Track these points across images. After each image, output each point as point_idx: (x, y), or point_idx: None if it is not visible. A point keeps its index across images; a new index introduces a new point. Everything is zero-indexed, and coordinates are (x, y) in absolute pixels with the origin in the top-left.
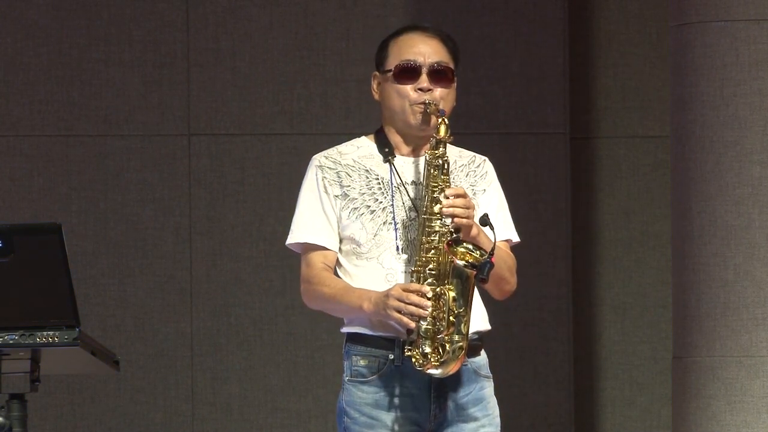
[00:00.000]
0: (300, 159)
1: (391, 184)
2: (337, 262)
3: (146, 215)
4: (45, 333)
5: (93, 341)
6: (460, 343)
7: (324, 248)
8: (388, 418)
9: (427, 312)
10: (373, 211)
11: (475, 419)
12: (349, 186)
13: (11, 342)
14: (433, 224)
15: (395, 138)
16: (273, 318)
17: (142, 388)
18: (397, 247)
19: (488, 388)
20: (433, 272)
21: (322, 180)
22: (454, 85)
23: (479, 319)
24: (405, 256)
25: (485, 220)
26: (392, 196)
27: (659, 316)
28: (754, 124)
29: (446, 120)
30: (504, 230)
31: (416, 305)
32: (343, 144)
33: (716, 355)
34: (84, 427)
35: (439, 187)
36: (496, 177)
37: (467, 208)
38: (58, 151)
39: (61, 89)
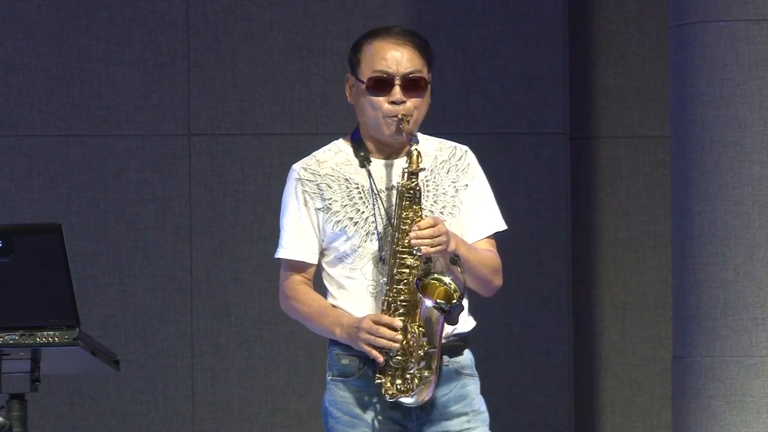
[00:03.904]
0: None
1: (372, 191)
2: (325, 273)
3: (146, 215)
4: (45, 333)
5: (93, 341)
6: (430, 378)
7: (304, 263)
8: (369, 417)
9: (396, 346)
10: (356, 223)
11: (460, 415)
12: (331, 199)
13: (11, 342)
14: (404, 256)
15: (370, 143)
16: (273, 318)
17: (142, 388)
18: (381, 257)
19: (472, 385)
20: (404, 304)
21: (302, 193)
22: (428, 91)
23: (460, 322)
24: (387, 267)
25: (454, 260)
26: (373, 205)
27: (659, 316)
28: (754, 124)
29: (418, 149)
30: (487, 224)
31: (386, 339)
32: (321, 150)
33: (716, 355)
34: (84, 427)
35: (410, 218)
36: (479, 166)
37: (437, 236)
38: (58, 151)
39: (61, 89)
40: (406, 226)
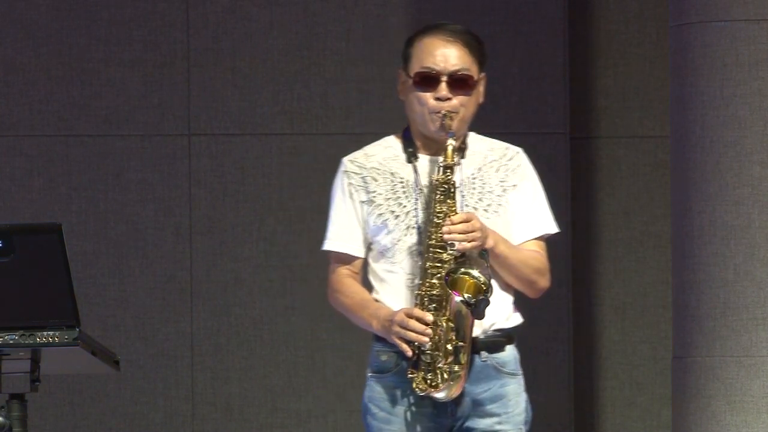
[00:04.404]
0: (300, 159)
1: (415, 186)
2: (369, 268)
3: (146, 215)
4: (45, 333)
5: (93, 341)
6: (459, 372)
7: (349, 255)
8: (404, 413)
9: (426, 340)
10: (397, 216)
11: (492, 415)
12: (375, 192)
13: (11, 342)
14: (438, 251)
15: (418, 140)
16: (273, 318)
17: (142, 388)
18: (419, 251)
19: (512, 385)
20: (436, 298)
21: (348, 186)
22: (477, 89)
23: (500, 317)
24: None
25: (482, 254)
26: (416, 200)
27: (659, 316)
28: (754, 124)
29: (453, 143)
30: (535, 226)
31: (416, 332)
32: (372, 144)
33: (716, 355)
34: (84, 427)
35: (444, 212)
36: (531, 168)
37: (470, 231)
38: (58, 151)
39: (61, 89)
40: (440, 221)
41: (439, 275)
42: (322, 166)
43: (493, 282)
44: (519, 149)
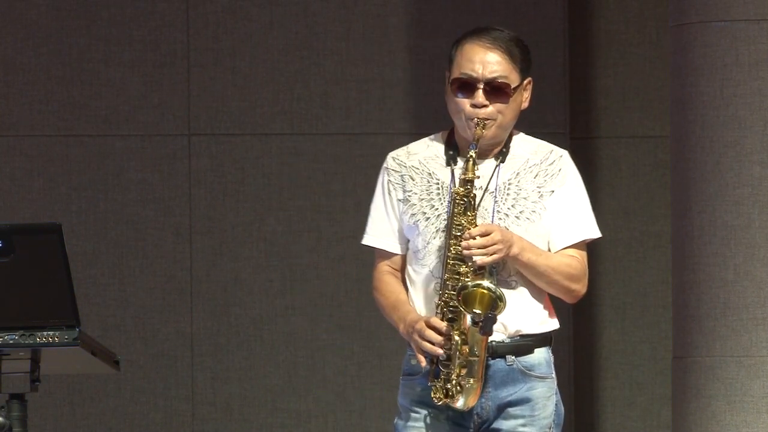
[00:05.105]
0: (300, 159)
1: (450, 189)
2: (406, 268)
3: (146, 215)
4: (45, 333)
5: (93, 341)
6: (474, 386)
7: (389, 252)
8: (432, 414)
9: (440, 351)
10: (428, 218)
11: (516, 417)
12: (411, 191)
13: (11, 342)
14: (457, 263)
15: (461, 141)
16: (273, 318)
17: (142, 388)
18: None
19: (540, 388)
20: (453, 310)
21: (387, 183)
22: (518, 95)
23: (528, 323)
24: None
25: (491, 271)
26: (449, 203)
27: (659, 316)
28: (754, 124)
29: (474, 156)
30: (573, 232)
31: (432, 343)
32: (419, 141)
33: (716, 355)
34: (84, 427)
35: (463, 225)
36: (574, 172)
37: (490, 245)
38: (58, 151)
39: (61, 89)
40: (459, 233)
41: (455, 288)
42: (322, 166)
43: (523, 289)
44: (564, 152)
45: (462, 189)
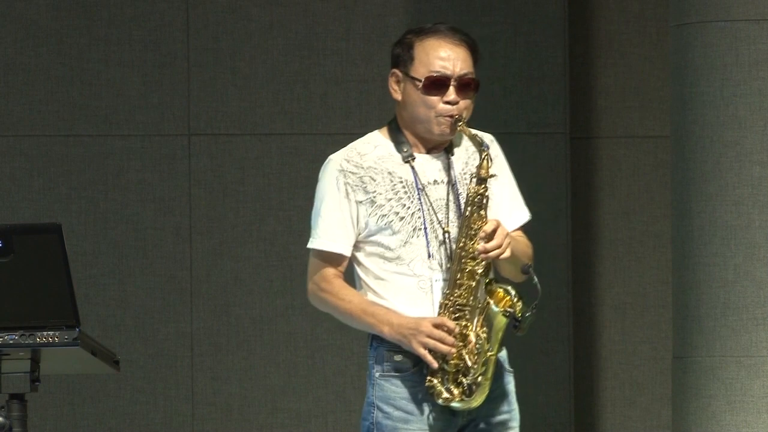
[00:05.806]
0: (300, 159)
1: (416, 186)
2: (361, 267)
3: (146, 215)
4: (45, 333)
5: (93, 341)
6: (484, 384)
7: (340, 255)
8: (423, 412)
9: (454, 351)
10: (402, 218)
11: (502, 413)
12: (375, 192)
13: (11, 342)
14: (469, 261)
15: (411, 137)
16: (273, 318)
17: (142, 388)
18: (429, 253)
19: (512, 383)
20: (462, 308)
21: (345, 185)
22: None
23: None
24: (435, 261)
25: (526, 271)
26: (419, 200)
27: (659, 316)
28: (754, 124)
29: (490, 155)
30: (520, 214)
31: (447, 344)
32: (357, 142)
33: (716, 355)
34: (84, 427)
35: (476, 225)
36: (501, 153)
37: (503, 240)
38: (58, 151)
39: (61, 89)
40: (473, 232)
41: (467, 286)
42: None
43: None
44: (491, 137)
45: (478, 187)
